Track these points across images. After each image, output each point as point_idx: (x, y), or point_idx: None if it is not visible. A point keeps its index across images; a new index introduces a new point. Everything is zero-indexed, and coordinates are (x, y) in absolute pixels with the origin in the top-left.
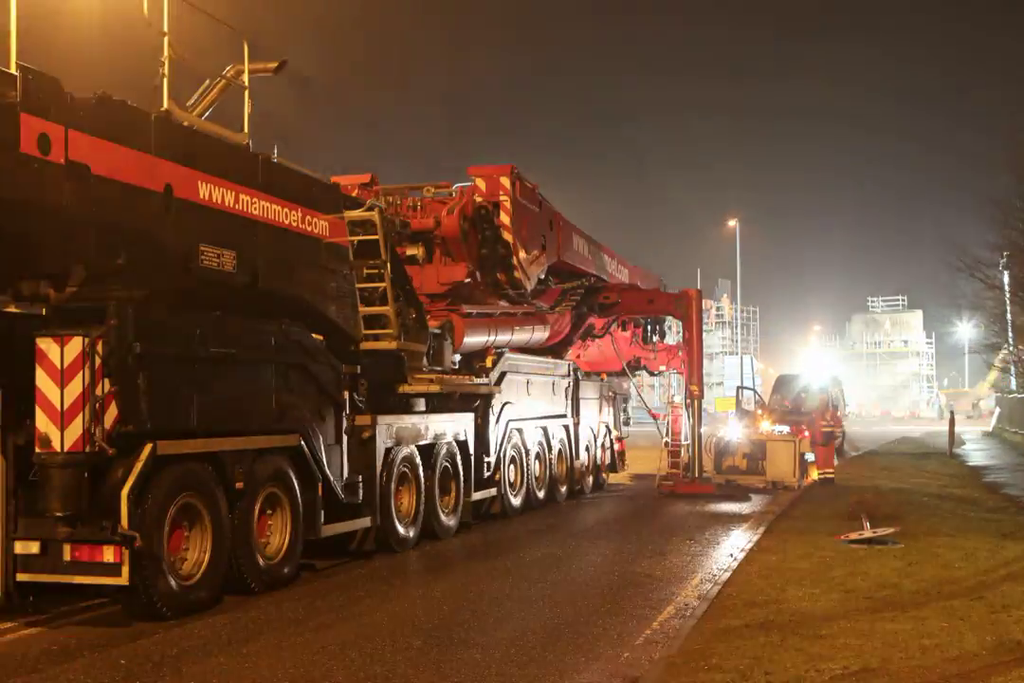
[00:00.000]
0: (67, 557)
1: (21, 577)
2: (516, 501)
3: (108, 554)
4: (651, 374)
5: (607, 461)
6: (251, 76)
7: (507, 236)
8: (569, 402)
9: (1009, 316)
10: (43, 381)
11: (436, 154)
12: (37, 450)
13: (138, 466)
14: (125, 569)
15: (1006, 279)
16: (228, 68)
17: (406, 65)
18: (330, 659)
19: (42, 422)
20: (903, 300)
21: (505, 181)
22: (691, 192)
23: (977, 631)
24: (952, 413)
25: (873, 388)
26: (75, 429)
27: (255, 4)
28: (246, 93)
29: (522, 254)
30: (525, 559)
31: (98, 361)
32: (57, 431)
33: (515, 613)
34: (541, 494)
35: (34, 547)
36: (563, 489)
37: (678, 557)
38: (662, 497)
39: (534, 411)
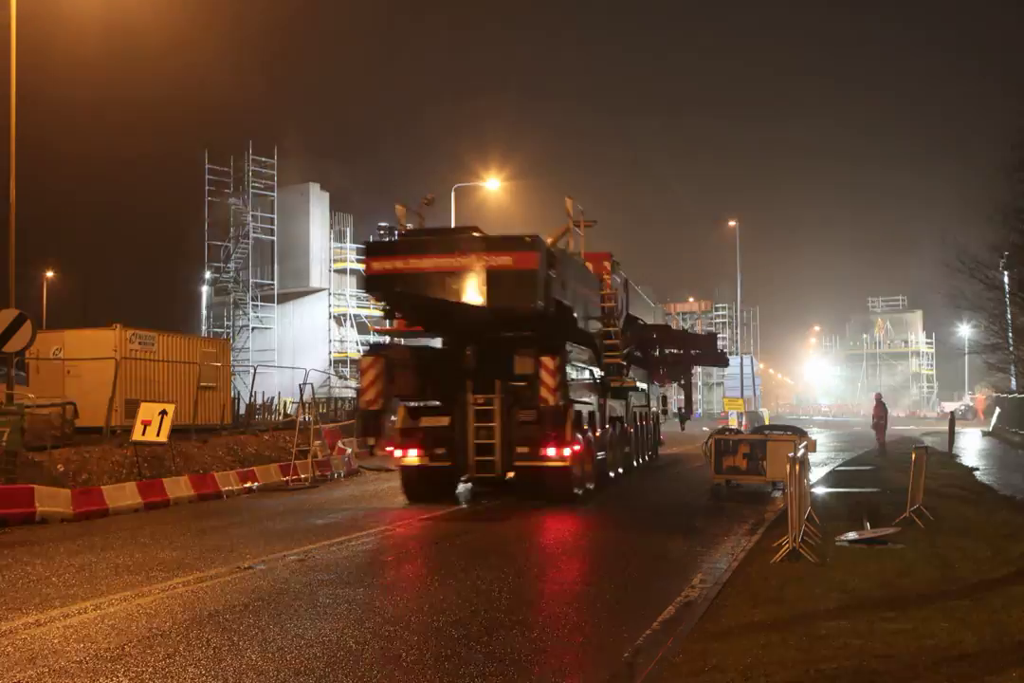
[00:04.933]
0: (542, 453)
1: (518, 464)
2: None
3: (564, 451)
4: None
5: (659, 441)
6: (582, 228)
7: (607, 305)
8: (652, 400)
9: (1009, 316)
10: (545, 376)
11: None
12: (541, 405)
13: (571, 412)
14: (568, 460)
15: (1006, 280)
16: (568, 221)
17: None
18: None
19: (545, 393)
20: (903, 300)
21: (606, 263)
22: (690, 193)
23: (977, 631)
24: (952, 413)
25: (873, 388)
26: (557, 395)
27: None
28: (582, 240)
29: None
30: (529, 560)
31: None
32: (552, 397)
33: (514, 612)
34: (641, 459)
35: (525, 449)
36: (645, 458)
37: (678, 556)
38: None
39: (642, 403)
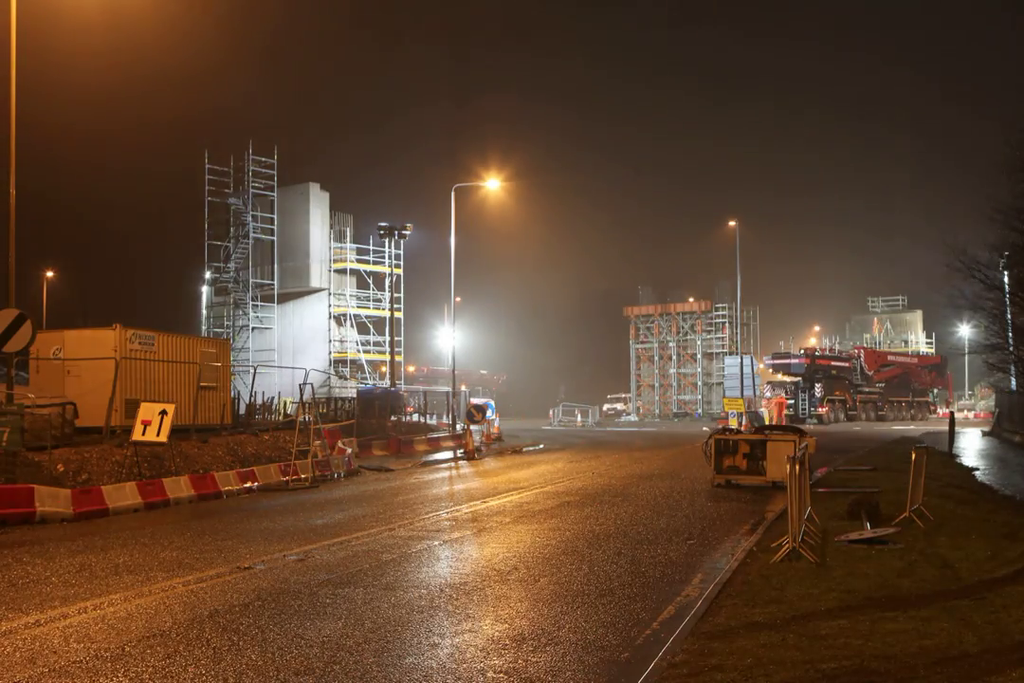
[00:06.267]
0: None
1: None
2: None
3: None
4: None
5: None
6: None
7: (846, 364)
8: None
9: (1009, 316)
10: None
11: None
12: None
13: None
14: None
15: (1006, 279)
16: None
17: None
18: None
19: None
20: (903, 300)
21: (856, 350)
22: (691, 193)
23: (977, 631)
24: (952, 413)
25: None
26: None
27: None
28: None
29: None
30: (526, 561)
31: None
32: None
33: (512, 613)
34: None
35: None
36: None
37: (678, 557)
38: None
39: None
